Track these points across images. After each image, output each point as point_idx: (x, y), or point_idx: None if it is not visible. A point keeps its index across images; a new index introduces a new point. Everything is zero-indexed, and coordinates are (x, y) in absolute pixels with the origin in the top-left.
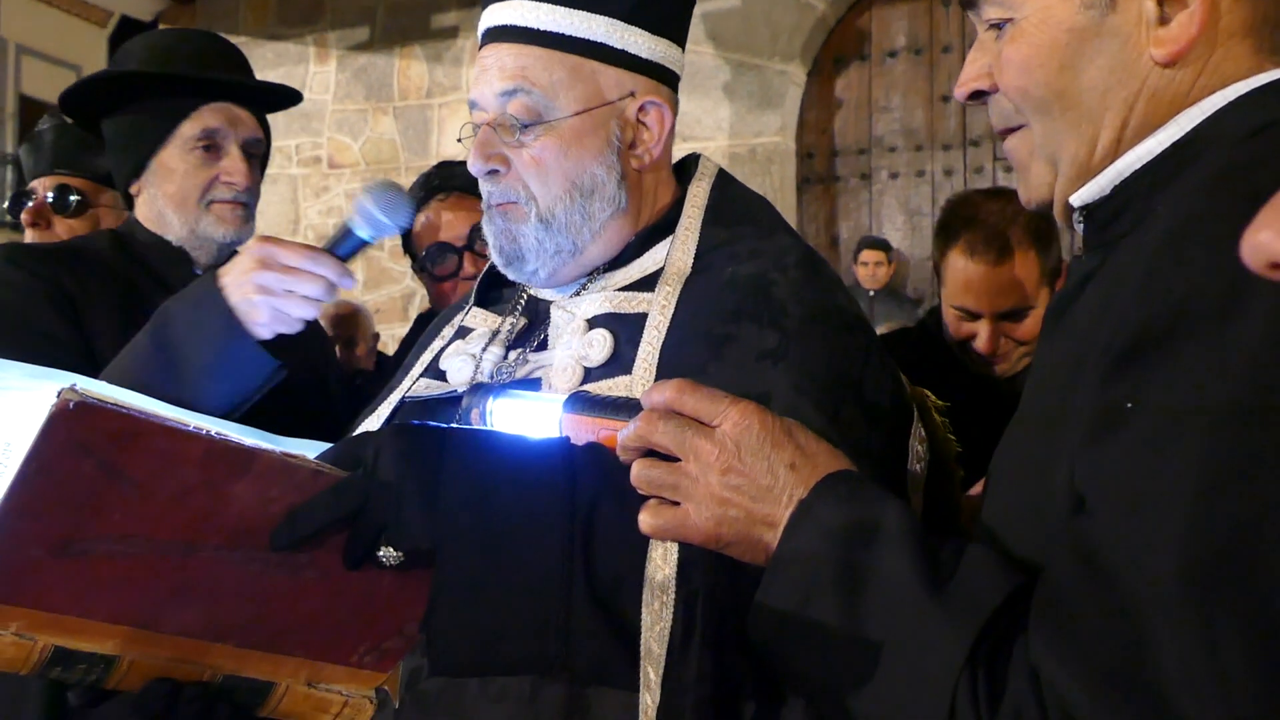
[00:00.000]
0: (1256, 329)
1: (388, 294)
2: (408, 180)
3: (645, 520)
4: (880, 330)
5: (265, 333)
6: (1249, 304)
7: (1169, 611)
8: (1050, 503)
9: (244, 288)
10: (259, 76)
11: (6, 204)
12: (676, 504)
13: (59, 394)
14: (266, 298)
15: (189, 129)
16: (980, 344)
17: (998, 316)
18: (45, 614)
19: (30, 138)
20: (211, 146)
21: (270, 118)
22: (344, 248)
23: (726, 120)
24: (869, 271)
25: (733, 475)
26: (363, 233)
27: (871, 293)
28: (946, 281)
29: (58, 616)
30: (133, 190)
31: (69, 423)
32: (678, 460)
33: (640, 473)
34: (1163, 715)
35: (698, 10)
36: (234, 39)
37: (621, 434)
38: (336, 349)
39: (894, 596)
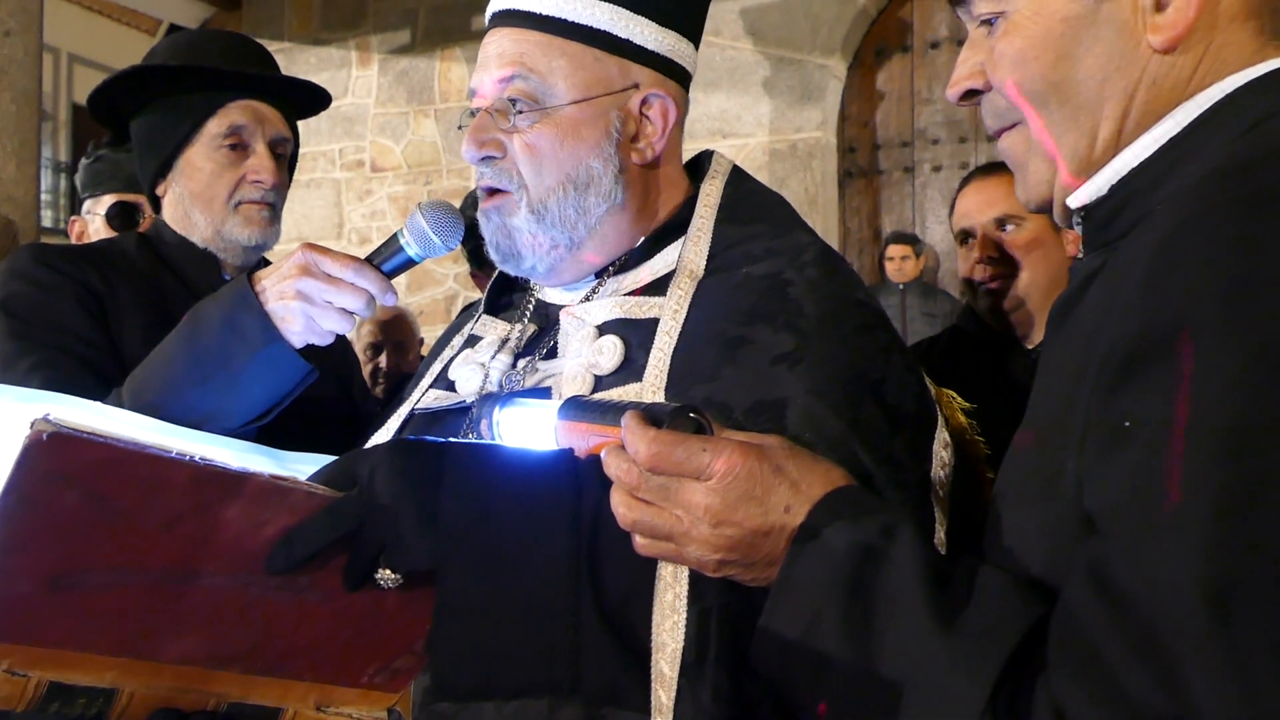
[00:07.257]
0: (1259, 338)
1: (430, 296)
2: (449, 183)
3: (641, 545)
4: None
5: (298, 341)
6: (1251, 310)
7: (1194, 640)
8: (1061, 522)
9: (284, 293)
10: None
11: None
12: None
13: (32, 424)
14: (304, 305)
15: (215, 126)
16: (973, 251)
17: (988, 229)
18: (39, 649)
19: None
20: (238, 145)
21: (313, 122)
22: (390, 263)
23: (767, 116)
24: (896, 265)
25: (725, 526)
26: (411, 250)
27: (901, 286)
28: (954, 225)
29: (52, 651)
30: (159, 191)
31: (45, 454)
32: None
33: (628, 516)
34: None
35: (736, 5)
36: (279, 44)
37: (607, 469)
38: (386, 352)
39: (906, 631)
